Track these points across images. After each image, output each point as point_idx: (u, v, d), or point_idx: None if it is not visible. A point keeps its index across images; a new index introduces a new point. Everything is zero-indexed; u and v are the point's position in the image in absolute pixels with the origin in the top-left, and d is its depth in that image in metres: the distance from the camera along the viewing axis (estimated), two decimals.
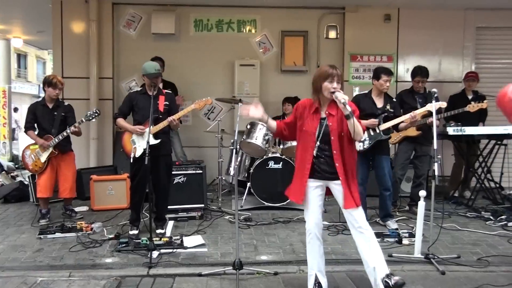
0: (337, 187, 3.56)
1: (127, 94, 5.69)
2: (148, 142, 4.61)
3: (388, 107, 5.39)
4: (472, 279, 4.06)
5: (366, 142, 5.34)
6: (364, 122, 5.28)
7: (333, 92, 3.46)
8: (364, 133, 3.52)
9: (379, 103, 5.41)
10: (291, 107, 7.30)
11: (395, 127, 5.39)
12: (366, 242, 3.51)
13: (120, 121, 5.27)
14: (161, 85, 7.07)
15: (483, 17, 8.08)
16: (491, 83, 7.94)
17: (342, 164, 3.50)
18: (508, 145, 6.61)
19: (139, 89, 5.38)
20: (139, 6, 8.00)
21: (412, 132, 5.92)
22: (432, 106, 4.65)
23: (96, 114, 5.68)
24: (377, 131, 5.33)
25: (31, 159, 5.67)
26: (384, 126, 5.31)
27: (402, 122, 5.30)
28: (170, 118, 5.06)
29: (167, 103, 5.21)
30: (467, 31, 8.11)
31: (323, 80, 3.52)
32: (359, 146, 5.32)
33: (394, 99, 5.60)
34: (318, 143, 3.53)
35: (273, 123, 3.77)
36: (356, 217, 3.53)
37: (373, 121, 5.26)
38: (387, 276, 3.43)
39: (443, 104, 5.26)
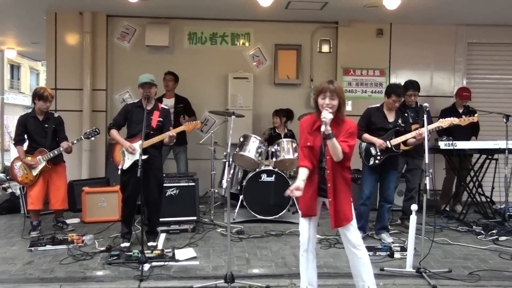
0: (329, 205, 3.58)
1: (123, 105, 5.68)
2: (141, 154, 4.61)
3: (399, 121, 5.40)
4: None
5: (378, 157, 5.35)
6: (374, 140, 5.30)
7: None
8: (342, 155, 3.42)
9: (391, 118, 5.42)
10: (279, 121, 7.32)
11: (404, 142, 5.39)
12: (358, 260, 3.58)
13: (114, 132, 5.24)
14: (169, 101, 7.12)
15: (474, 33, 8.17)
16: (482, 98, 8.04)
17: (333, 184, 3.51)
18: (499, 160, 6.65)
19: (136, 100, 5.35)
20: (134, 19, 8.02)
21: (404, 145, 5.95)
22: (427, 124, 4.71)
23: (95, 133, 5.67)
24: (389, 146, 5.31)
25: (22, 171, 5.62)
26: (396, 141, 5.30)
27: (413, 137, 5.28)
28: (169, 133, 5.00)
29: (160, 119, 5.18)
30: (458, 46, 8.19)
31: (317, 96, 3.52)
32: (371, 161, 5.36)
33: (406, 114, 5.60)
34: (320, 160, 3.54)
35: (306, 171, 3.52)
36: (348, 236, 3.57)
37: (381, 144, 5.25)
38: None
39: (444, 123, 5.30)
